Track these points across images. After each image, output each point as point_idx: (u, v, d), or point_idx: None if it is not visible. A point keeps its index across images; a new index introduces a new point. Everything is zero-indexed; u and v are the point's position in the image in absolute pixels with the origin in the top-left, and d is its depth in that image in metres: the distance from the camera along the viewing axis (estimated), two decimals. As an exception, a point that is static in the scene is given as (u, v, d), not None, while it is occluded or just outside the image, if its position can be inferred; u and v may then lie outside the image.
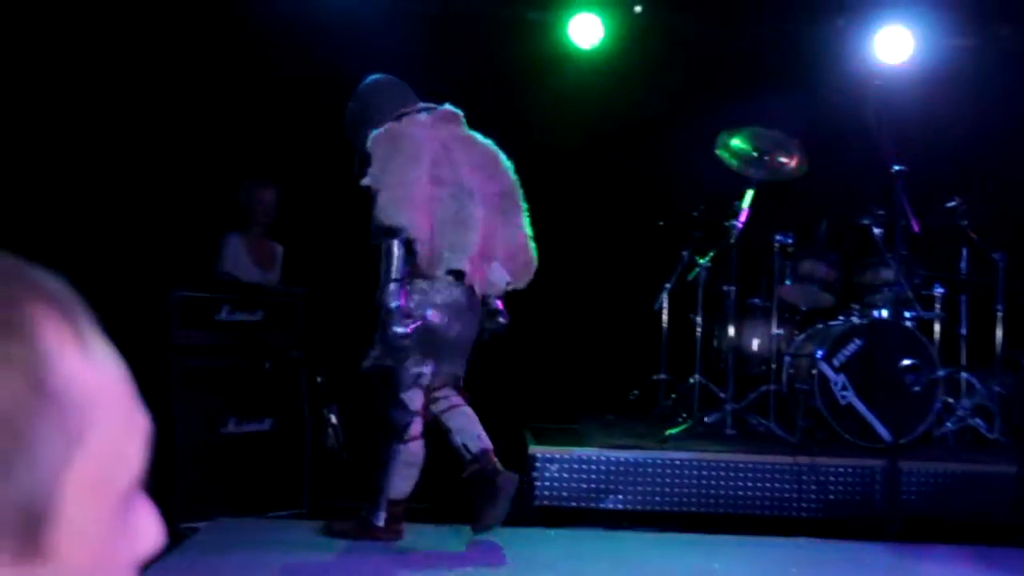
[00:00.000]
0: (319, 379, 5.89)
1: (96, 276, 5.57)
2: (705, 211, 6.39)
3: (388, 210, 4.04)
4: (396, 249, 4.07)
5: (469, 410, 4.39)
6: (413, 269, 4.14)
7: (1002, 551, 4.85)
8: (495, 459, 4.24)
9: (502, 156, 4.42)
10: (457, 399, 4.40)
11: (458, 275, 4.17)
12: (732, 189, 6.20)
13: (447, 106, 4.42)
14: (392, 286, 4.06)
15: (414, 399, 4.24)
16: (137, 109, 6.43)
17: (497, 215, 4.29)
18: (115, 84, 6.38)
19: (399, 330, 4.05)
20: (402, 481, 4.24)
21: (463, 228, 4.15)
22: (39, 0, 6.31)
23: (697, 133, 6.43)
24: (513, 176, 4.41)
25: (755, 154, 6.17)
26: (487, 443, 4.28)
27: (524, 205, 4.44)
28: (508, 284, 4.35)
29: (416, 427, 4.24)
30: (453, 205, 4.15)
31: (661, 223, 6.55)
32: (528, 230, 4.43)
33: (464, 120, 4.44)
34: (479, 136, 4.43)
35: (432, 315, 4.18)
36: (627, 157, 6.96)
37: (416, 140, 4.17)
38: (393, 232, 4.05)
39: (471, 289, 4.24)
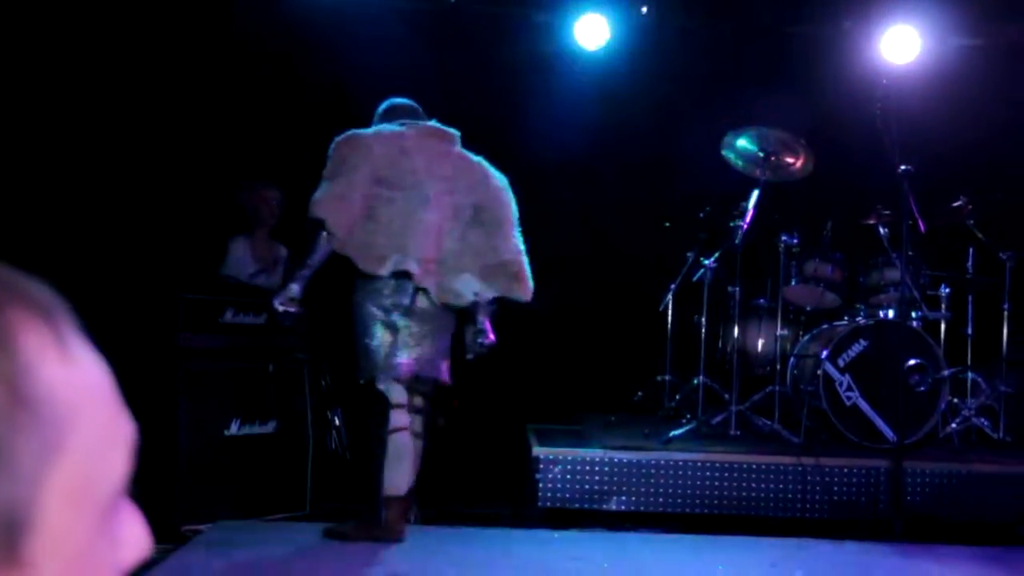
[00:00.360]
0: (323, 381, 5.90)
1: (101, 279, 5.60)
2: (711, 212, 6.38)
3: (317, 204, 4.22)
4: (321, 241, 4.22)
5: (416, 445, 4.42)
6: (359, 268, 4.29)
7: (1006, 551, 4.85)
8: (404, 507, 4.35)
9: (490, 173, 4.50)
10: (417, 424, 4.43)
11: (404, 275, 4.26)
12: (738, 190, 6.19)
13: (432, 123, 4.52)
14: (305, 271, 4.27)
15: (392, 392, 4.31)
16: (140, 112, 6.44)
17: (471, 227, 4.39)
18: (121, 88, 6.40)
19: (279, 307, 4.27)
20: (393, 474, 4.26)
21: (411, 232, 4.25)
22: (48, 6, 6.33)
23: (703, 134, 6.42)
24: (500, 194, 4.47)
25: (761, 154, 6.16)
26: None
27: (514, 221, 4.48)
28: (476, 295, 4.40)
29: (398, 418, 4.30)
30: (403, 207, 4.26)
31: (667, 224, 6.54)
32: (516, 244, 4.47)
33: (451, 138, 4.51)
34: (468, 154, 4.51)
35: (384, 314, 4.29)
36: (633, 158, 6.96)
37: (367, 145, 4.30)
38: (318, 225, 4.20)
39: (427, 292, 4.32)
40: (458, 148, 4.51)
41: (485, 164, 4.53)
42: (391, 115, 4.51)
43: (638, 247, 6.80)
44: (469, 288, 4.37)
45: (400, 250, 4.23)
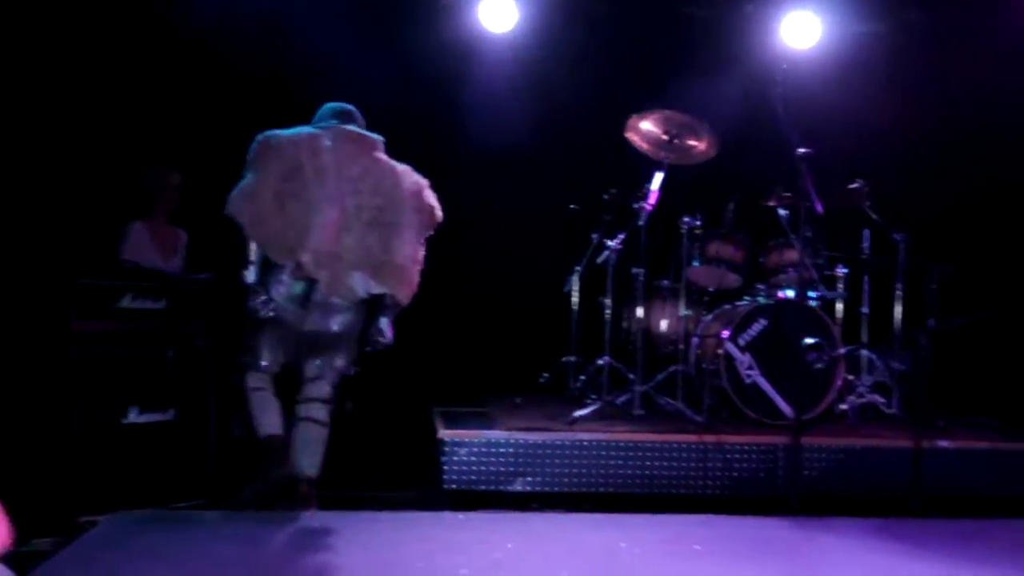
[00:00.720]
0: (228, 367, 5.81)
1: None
2: (615, 194, 6.43)
3: (230, 200, 4.54)
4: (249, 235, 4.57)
5: (315, 432, 4.65)
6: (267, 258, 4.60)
7: (897, 522, 5.02)
8: (307, 489, 4.59)
9: (403, 180, 4.74)
10: (318, 412, 4.67)
11: (300, 268, 4.55)
12: (642, 172, 6.25)
13: (352, 127, 4.76)
14: (252, 266, 4.59)
15: (251, 378, 4.68)
16: (36, 95, 6.25)
17: (371, 228, 4.64)
18: (15, 69, 6.19)
19: (251, 304, 4.57)
20: (262, 414, 4.60)
21: (312, 226, 4.52)
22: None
23: (609, 116, 6.47)
24: (408, 199, 4.72)
25: (665, 137, 6.22)
26: (308, 472, 4.60)
27: (417, 227, 4.76)
28: (368, 294, 4.69)
29: (252, 381, 4.68)
30: (308, 203, 4.53)
31: (572, 206, 6.57)
32: (410, 251, 4.73)
33: (369, 142, 4.74)
34: (385, 159, 4.75)
35: (278, 306, 4.60)
36: (538, 141, 6.97)
37: (280, 145, 4.58)
38: (232, 219, 4.53)
39: (318, 284, 4.59)
40: (376, 153, 4.76)
41: (401, 170, 4.78)
42: (320, 117, 4.81)
43: (543, 229, 6.83)
44: (362, 285, 4.66)
45: (301, 243, 4.52)
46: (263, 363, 4.67)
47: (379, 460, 5.66)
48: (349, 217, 4.60)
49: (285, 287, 4.59)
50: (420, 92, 6.74)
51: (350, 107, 4.89)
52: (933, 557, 4.44)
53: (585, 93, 6.96)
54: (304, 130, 4.69)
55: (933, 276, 6.06)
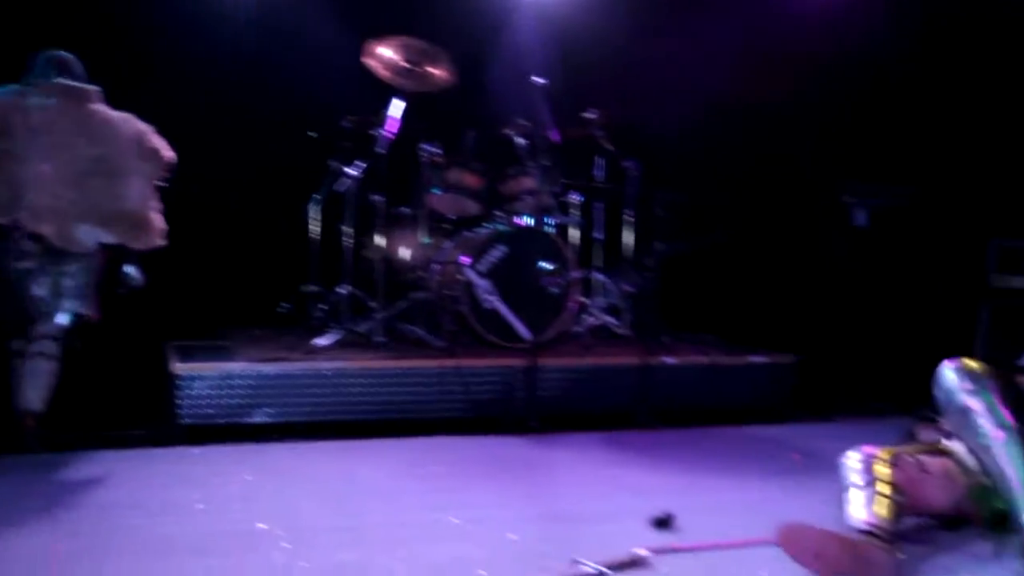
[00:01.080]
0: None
1: None
2: (355, 121, 6.35)
3: None
4: None
5: (43, 366, 4.62)
6: None
7: (625, 434, 5.33)
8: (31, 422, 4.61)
9: (120, 127, 4.73)
10: (48, 347, 4.64)
11: (20, 226, 4.51)
12: (381, 99, 6.19)
13: (61, 79, 4.68)
14: None
15: (13, 343, 4.65)
16: None
17: (92, 177, 4.62)
18: None
19: None
20: (16, 383, 4.58)
21: (28, 183, 4.50)
22: None
23: (346, 42, 6.35)
24: (129, 146, 4.73)
25: (404, 64, 6.17)
26: (33, 405, 4.59)
27: (143, 172, 4.76)
28: (100, 243, 4.69)
29: (13, 344, 4.63)
30: (20, 160, 4.51)
31: (311, 134, 6.43)
32: (140, 197, 4.73)
33: (79, 93, 4.69)
34: (100, 108, 4.72)
35: (13, 264, 4.56)
36: (276, 65, 6.74)
37: None
38: None
39: (45, 239, 4.55)
40: (91, 104, 4.70)
41: (120, 118, 4.75)
42: (35, 70, 4.72)
43: (281, 157, 6.64)
44: (90, 236, 4.64)
45: (16, 201, 4.49)
46: (14, 327, 4.62)
47: (111, 399, 5.40)
48: (67, 170, 4.57)
49: (11, 246, 4.51)
50: (148, 23, 6.37)
51: (67, 56, 4.77)
52: (658, 464, 4.74)
53: (322, 17, 6.78)
54: (12, 88, 4.63)
55: (660, 203, 6.37)
